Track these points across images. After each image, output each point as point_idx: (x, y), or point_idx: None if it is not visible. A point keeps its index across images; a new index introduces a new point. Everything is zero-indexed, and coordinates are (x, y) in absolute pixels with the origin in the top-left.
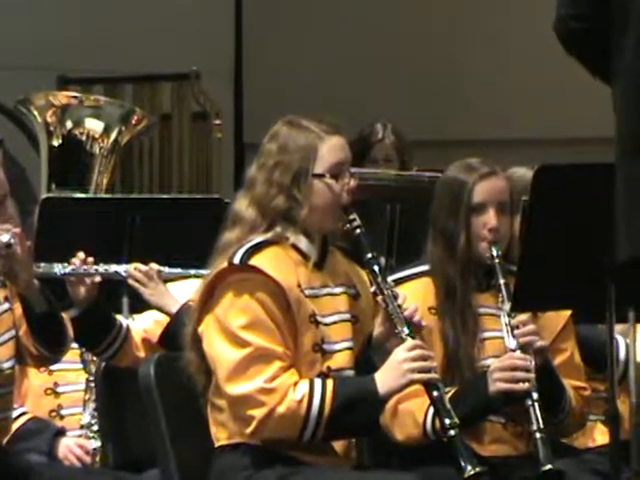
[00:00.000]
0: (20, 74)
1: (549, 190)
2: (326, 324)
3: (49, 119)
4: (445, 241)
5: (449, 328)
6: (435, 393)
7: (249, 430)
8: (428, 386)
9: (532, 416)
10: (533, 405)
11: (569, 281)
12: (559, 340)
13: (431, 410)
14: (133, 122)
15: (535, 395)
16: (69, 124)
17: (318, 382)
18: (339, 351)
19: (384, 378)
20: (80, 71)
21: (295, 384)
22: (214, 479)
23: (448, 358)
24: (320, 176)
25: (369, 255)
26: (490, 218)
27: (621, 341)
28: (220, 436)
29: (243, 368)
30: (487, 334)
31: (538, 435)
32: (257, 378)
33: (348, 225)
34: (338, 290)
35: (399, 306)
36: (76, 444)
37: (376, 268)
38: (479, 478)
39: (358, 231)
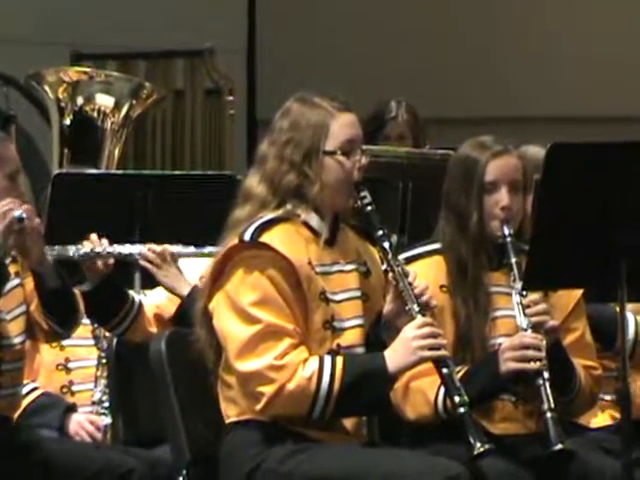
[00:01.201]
0: (34, 49)
1: (561, 168)
2: (336, 301)
3: (60, 95)
4: (457, 219)
5: (461, 306)
6: (445, 370)
7: (259, 407)
8: (438, 363)
9: (543, 395)
10: (544, 384)
11: (581, 260)
12: (570, 319)
13: (442, 388)
14: (143, 96)
15: (546, 374)
16: (80, 100)
17: (328, 359)
18: (349, 328)
19: (394, 355)
20: (94, 47)
21: (305, 361)
22: (224, 455)
23: (459, 337)
24: (331, 153)
25: (380, 232)
26: (502, 196)
27: (631, 319)
28: (230, 413)
29: (253, 345)
30: (499, 313)
31: (549, 415)
32: (267, 355)
33: (359, 202)
34: (349, 267)
35: (409, 283)
36: (87, 420)
37: (386, 245)
38: (487, 455)
39: (369, 208)
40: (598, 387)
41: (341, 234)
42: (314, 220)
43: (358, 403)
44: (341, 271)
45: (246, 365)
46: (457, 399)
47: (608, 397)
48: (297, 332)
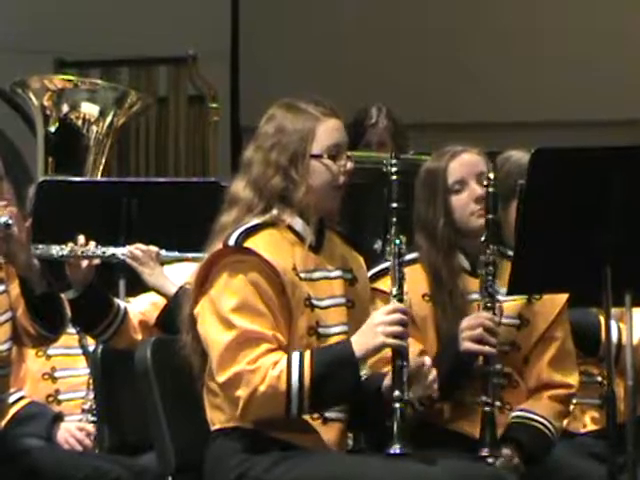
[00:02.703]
0: (17, 57)
1: (545, 173)
2: (321, 307)
3: (45, 103)
4: (426, 231)
5: (441, 317)
6: (398, 362)
7: (238, 412)
8: (395, 353)
9: (488, 387)
10: (490, 375)
11: (565, 264)
12: (553, 328)
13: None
14: (128, 104)
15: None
16: (65, 108)
17: (296, 355)
18: (334, 335)
19: (360, 339)
20: (77, 54)
21: (276, 363)
22: (210, 463)
23: (442, 345)
24: (318, 157)
25: (396, 205)
26: (473, 189)
27: (613, 325)
28: (216, 420)
29: (232, 351)
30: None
31: (487, 409)
32: (243, 361)
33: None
34: (334, 274)
35: (400, 264)
36: (77, 427)
37: (394, 220)
38: (400, 457)
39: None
40: (568, 407)
41: (327, 240)
42: (299, 225)
43: (332, 392)
44: (326, 277)
45: (225, 371)
46: (397, 393)
47: (593, 402)
48: (276, 338)
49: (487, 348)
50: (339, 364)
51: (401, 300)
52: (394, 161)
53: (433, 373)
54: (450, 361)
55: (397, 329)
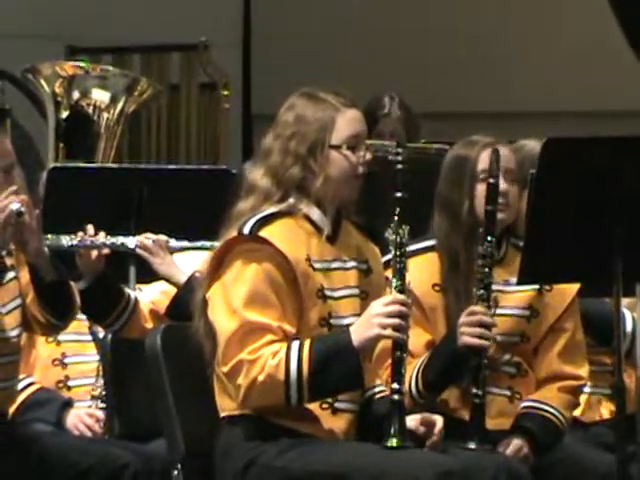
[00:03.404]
0: (29, 43)
1: (557, 163)
2: (335, 298)
3: (57, 90)
4: (449, 212)
5: (453, 302)
6: (397, 353)
7: (239, 400)
8: (394, 345)
9: (479, 380)
10: (481, 367)
11: (576, 254)
12: (562, 319)
13: (414, 373)
14: (139, 91)
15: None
16: (76, 95)
17: (295, 344)
18: (347, 326)
19: (358, 329)
20: (89, 40)
21: (276, 352)
22: (219, 450)
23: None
24: (337, 147)
25: (399, 194)
26: (499, 183)
27: (627, 315)
28: (225, 406)
29: (237, 341)
30: (493, 310)
31: (478, 401)
32: (245, 350)
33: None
34: (350, 264)
35: (402, 255)
36: (87, 413)
37: (398, 209)
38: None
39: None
40: (577, 398)
41: (343, 231)
42: (316, 214)
43: (331, 381)
44: (342, 268)
45: (228, 361)
46: (395, 386)
47: (604, 391)
48: (282, 329)
49: (485, 342)
50: (337, 353)
51: (402, 291)
52: (399, 150)
53: (439, 425)
54: (447, 356)
55: (394, 321)
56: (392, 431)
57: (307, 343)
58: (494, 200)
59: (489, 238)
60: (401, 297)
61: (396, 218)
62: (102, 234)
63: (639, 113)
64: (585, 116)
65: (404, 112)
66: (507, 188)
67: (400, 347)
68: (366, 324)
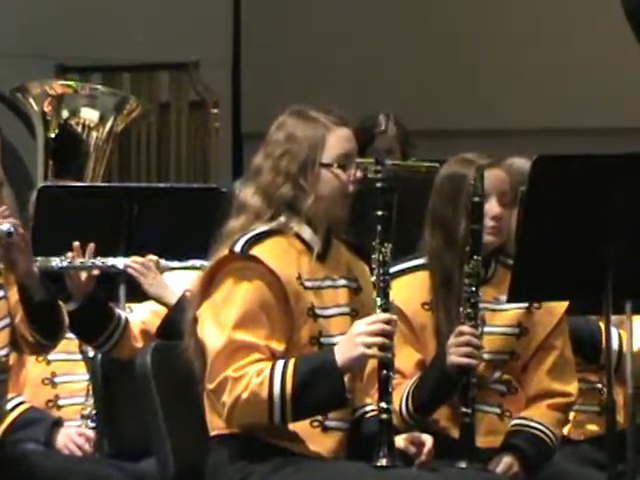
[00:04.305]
0: (19, 62)
1: (546, 181)
2: (325, 316)
3: (46, 109)
4: (443, 230)
5: (444, 321)
6: (383, 372)
7: (224, 417)
8: (380, 364)
9: (468, 398)
10: (469, 386)
11: (566, 272)
12: (552, 337)
13: (404, 395)
14: (128, 110)
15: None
16: (65, 114)
17: (280, 363)
18: (337, 344)
19: (341, 349)
20: (78, 59)
21: (261, 370)
22: (210, 469)
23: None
24: (328, 166)
25: (381, 212)
26: (492, 206)
27: (614, 332)
28: (215, 425)
29: (223, 359)
30: (484, 329)
31: (467, 420)
32: (231, 367)
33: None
34: (340, 283)
35: (385, 273)
36: (77, 433)
37: (380, 227)
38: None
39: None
40: (567, 415)
41: (333, 249)
42: (307, 233)
43: (314, 400)
44: (332, 286)
45: (214, 378)
46: (383, 405)
47: (592, 409)
48: (269, 348)
49: (472, 360)
50: (321, 373)
51: (386, 310)
52: (379, 167)
53: (428, 445)
54: (437, 378)
55: (377, 340)
56: (381, 451)
57: (291, 362)
58: (480, 219)
59: (475, 257)
60: (385, 316)
61: (378, 236)
62: (92, 246)
63: (629, 131)
64: (577, 133)
65: (400, 130)
66: (501, 212)
67: (386, 366)
68: (350, 344)
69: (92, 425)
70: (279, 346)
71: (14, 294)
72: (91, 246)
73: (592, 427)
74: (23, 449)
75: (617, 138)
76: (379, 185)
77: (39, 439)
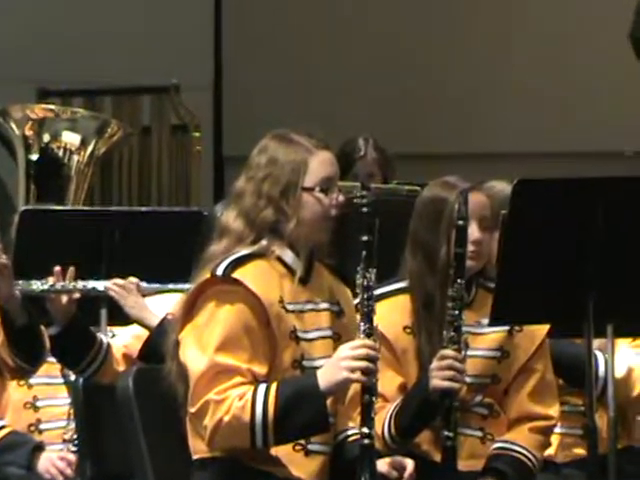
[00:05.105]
0: (0, 86)
1: (527, 204)
2: (307, 340)
3: (27, 132)
4: (424, 254)
5: (425, 344)
6: (366, 397)
7: (205, 441)
8: (363, 388)
9: (450, 422)
10: (452, 410)
11: (548, 295)
12: (533, 360)
13: (387, 419)
14: (109, 133)
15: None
16: (46, 137)
17: (262, 387)
18: (319, 368)
19: (325, 373)
20: (60, 83)
21: (243, 394)
22: None
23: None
24: (310, 189)
25: (366, 237)
26: (473, 231)
27: (600, 357)
28: (197, 449)
29: (205, 382)
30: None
31: (449, 444)
32: (213, 391)
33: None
34: (322, 306)
35: (369, 298)
36: (58, 457)
37: (365, 252)
38: None
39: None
40: (548, 438)
41: (315, 272)
42: (289, 256)
43: (297, 424)
44: (314, 309)
45: (196, 402)
46: (365, 430)
47: (575, 432)
48: (251, 371)
49: (455, 384)
50: (303, 397)
51: (370, 335)
52: (364, 192)
53: (410, 469)
54: (419, 402)
55: (361, 364)
56: (362, 477)
57: (274, 386)
58: (463, 243)
59: (459, 280)
60: (368, 341)
61: (362, 261)
62: (72, 270)
63: (607, 154)
64: (554, 157)
65: (379, 154)
66: (481, 237)
67: (369, 391)
68: (334, 368)
69: (74, 449)
70: (261, 369)
71: None
72: (71, 269)
73: (577, 450)
74: (5, 473)
75: (594, 161)
76: (365, 210)
77: (21, 463)
